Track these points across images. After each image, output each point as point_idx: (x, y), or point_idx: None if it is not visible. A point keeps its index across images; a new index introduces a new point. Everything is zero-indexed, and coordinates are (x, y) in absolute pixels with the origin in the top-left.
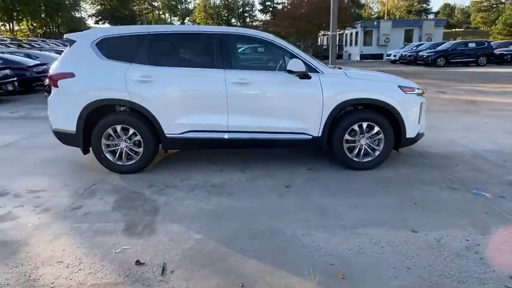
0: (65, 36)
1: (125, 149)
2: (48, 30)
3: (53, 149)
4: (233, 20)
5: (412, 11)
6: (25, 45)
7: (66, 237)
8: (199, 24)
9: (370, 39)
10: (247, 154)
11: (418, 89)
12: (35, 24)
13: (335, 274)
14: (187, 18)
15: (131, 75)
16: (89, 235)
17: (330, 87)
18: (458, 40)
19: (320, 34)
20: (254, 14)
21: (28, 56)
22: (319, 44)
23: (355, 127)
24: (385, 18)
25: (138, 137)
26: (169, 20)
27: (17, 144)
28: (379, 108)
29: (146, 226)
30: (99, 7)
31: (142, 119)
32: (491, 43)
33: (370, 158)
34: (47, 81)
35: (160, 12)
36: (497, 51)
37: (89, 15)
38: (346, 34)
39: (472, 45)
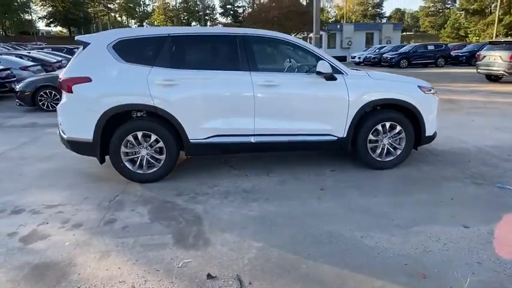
0: (77, 38)
1: (146, 156)
2: None
3: (50, 159)
4: (194, 23)
5: (367, 15)
6: None
7: (116, 253)
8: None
9: (334, 42)
10: (263, 157)
11: (433, 88)
12: None
13: (414, 274)
14: (145, 21)
15: (153, 78)
16: (139, 250)
17: (355, 88)
18: (417, 43)
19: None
20: (215, 17)
21: None
22: None
23: (379, 127)
24: (343, 22)
25: (160, 144)
26: (126, 22)
27: (6, 155)
28: (400, 107)
29: (197, 237)
30: (50, 9)
31: (165, 124)
32: (448, 45)
33: (392, 157)
34: (17, 87)
35: (117, 15)
36: (453, 53)
37: (40, 18)
38: (311, 37)
39: (431, 47)
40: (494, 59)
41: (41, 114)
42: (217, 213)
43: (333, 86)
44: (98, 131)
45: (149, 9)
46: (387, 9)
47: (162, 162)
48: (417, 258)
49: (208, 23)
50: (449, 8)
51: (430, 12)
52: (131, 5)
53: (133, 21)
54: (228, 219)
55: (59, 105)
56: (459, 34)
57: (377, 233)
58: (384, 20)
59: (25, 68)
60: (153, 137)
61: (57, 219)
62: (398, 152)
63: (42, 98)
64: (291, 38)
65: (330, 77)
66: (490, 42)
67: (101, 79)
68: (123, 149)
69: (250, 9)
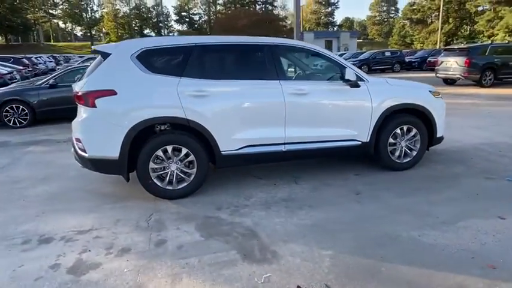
0: (94, 48)
1: (175, 171)
2: None
3: (48, 180)
4: (147, 30)
5: (320, 23)
6: None
7: (187, 276)
8: (109, 34)
9: None
10: (283, 165)
11: (439, 93)
12: None
13: (483, 266)
14: (94, 28)
15: (184, 90)
16: (210, 269)
17: (377, 94)
18: (373, 50)
19: None
20: (170, 25)
21: None
22: None
23: (398, 130)
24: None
25: (191, 157)
26: (71, 30)
27: None
28: (415, 111)
29: (262, 250)
30: None
31: (196, 136)
32: (403, 52)
33: (409, 159)
34: None
35: (61, 22)
36: (407, 59)
37: None
38: None
39: (388, 54)
40: (451, 64)
41: (9, 132)
42: (269, 225)
43: (357, 93)
44: (125, 148)
45: (97, 15)
46: (338, 18)
47: (193, 176)
48: (478, 251)
49: (163, 31)
50: (393, 17)
51: (376, 21)
52: (77, 11)
53: (79, 28)
54: (283, 229)
55: (77, 120)
56: (405, 41)
57: (430, 231)
58: (335, 28)
59: None
60: (184, 151)
61: (98, 246)
62: (414, 153)
63: (7, 113)
64: (315, 46)
65: (355, 85)
66: (445, 49)
67: (128, 92)
68: (151, 165)
69: (206, 17)
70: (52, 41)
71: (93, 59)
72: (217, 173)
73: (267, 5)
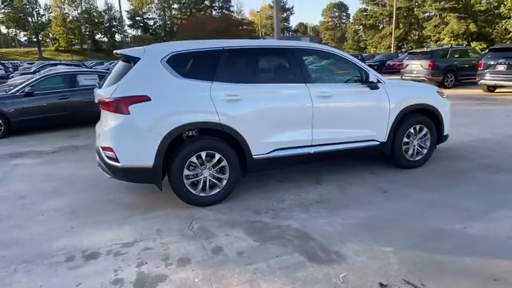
0: (119, 52)
1: (208, 177)
2: None
3: (58, 193)
4: (99, 36)
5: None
6: None
7: (263, 281)
8: (58, 40)
9: None
10: (298, 168)
11: (444, 93)
12: None
13: None
14: (41, 32)
15: (217, 94)
16: (284, 273)
17: (394, 95)
18: None
19: None
20: (124, 29)
21: None
22: None
23: (411, 130)
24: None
25: (224, 162)
26: (15, 35)
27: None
28: (426, 111)
29: (325, 251)
30: None
31: (228, 141)
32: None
33: (420, 156)
34: None
35: (3, 27)
36: (367, 63)
37: None
38: None
39: None
40: (416, 67)
41: None
42: (317, 226)
43: (376, 94)
44: (160, 155)
45: (44, 20)
46: (292, 23)
47: (225, 182)
48: None
49: (117, 36)
50: (345, 23)
51: (329, 26)
52: (21, 16)
53: (22, 33)
54: (333, 230)
55: (106, 128)
56: (359, 46)
57: (471, 223)
58: (291, 33)
59: None
60: (217, 156)
61: (153, 257)
62: (425, 151)
63: None
64: (336, 50)
65: (374, 87)
66: (409, 53)
67: (161, 97)
68: (185, 171)
69: (162, 22)
70: None
71: (54, 65)
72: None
73: (223, 10)
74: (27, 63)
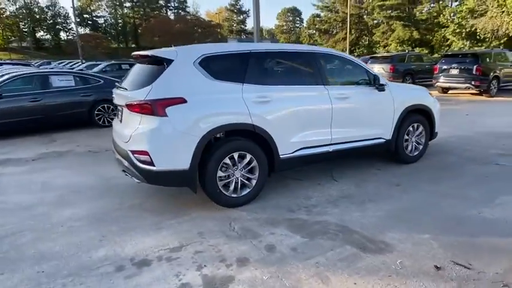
0: (151, 53)
1: (240, 178)
2: None
3: (67, 202)
4: (41, 33)
5: (233, 30)
6: None
7: (330, 273)
8: None
9: None
10: (312, 166)
11: (432, 94)
12: None
13: None
14: None
15: (248, 96)
16: (344, 264)
17: (397, 96)
18: None
19: None
20: (70, 27)
21: None
22: None
23: (410, 128)
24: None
25: (254, 163)
26: None
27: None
28: (422, 111)
29: (372, 242)
30: None
31: (258, 142)
32: None
33: (417, 152)
34: None
35: None
36: None
37: None
38: None
39: None
40: (378, 70)
41: None
42: (354, 220)
43: (383, 95)
44: (196, 157)
45: None
46: (249, 26)
47: (255, 182)
48: None
49: (62, 34)
50: (299, 27)
51: (284, 30)
52: None
53: None
54: (369, 222)
55: (139, 132)
56: None
57: (482, 209)
58: (247, 36)
59: None
60: (248, 157)
61: (209, 260)
62: (421, 147)
63: None
64: (345, 54)
65: (382, 88)
66: (371, 57)
67: (197, 99)
68: (219, 173)
69: (113, 20)
70: None
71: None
72: None
73: (180, 11)
74: None
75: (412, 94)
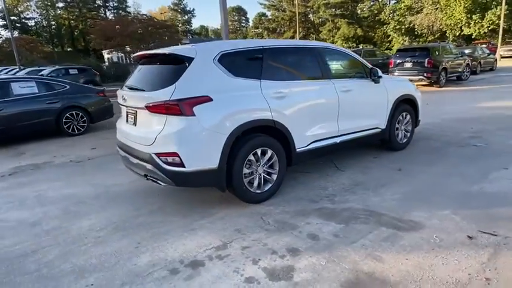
0: (169, 52)
1: (262, 174)
2: None
3: (81, 213)
4: None
5: (178, 31)
6: None
7: (378, 252)
8: None
9: None
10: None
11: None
12: None
13: None
14: None
15: (267, 92)
16: (387, 244)
17: (390, 88)
18: None
19: (112, 51)
20: None
21: None
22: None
23: (400, 117)
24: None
25: (274, 158)
26: None
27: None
28: (409, 100)
29: (402, 221)
30: None
31: (277, 137)
32: None
33: (406, 140)
34: None
35: None
36: None
37: None
38: None
39: None
40: None
41: None
42: (376, 204)
43: (379, 87)
44: (225, 155)
45: None
46: (194, 25)
47: (275, 177)
48: None
49: None
50: (245, 26)
51: (230, 30)
52: None
53: None
54: (391, 205)
55: (166, 133)
56: None
57: (482, 184)
58: (193, 36)
59: None
60: (269, 152)
61: (261, 253)
62: (409, 134)
63: None
64: (344, 49)
65: (378, 81)
66: None
67: (221, 97)
68: (244, 170)
69: (46, 22)
70: None
71: None
72: None
73: (119, 10)
74: None
75: (401, 85)
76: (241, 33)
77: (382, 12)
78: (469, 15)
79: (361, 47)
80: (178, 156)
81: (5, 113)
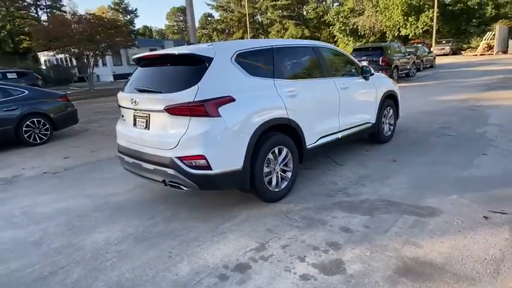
0: (187, 52)
1: (279, 172)
2: None
3: (82, 229)
4: None
5: (131, 31)
6: None
7: (411, 234)
8: None
9: (119, 59)
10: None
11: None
12: None
13: None
14: None
15: (281, 91)
16: (417, 230)
17: (377, 84)
18: None
19: (46, 53)
20: None
21: None
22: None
23: (386, 112)
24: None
25: (289, 156)
26: None
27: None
28: (392, 96)
29: (419, 209)
30: None
31: (291, 135)
32: None
33: (390, 133)
34: None
35: None
36: None
37: None
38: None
39: None
40: None
41: None
42: (388, 194)
43: (369, 84)
44: (248, 155)
45: None
46: (138, 26)
47: (290, 174)
48: None
49: None
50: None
51: (175, 30)
52: None
53: None
54: (402, 194)
55: (189, 136)
56: None
57: (470, 169)
58: (136, 37)
59: None
60: (285, 150)
61: (303, 251)
62: (392, 128)
63: None
64: (337, 48)
65: (367, 78)
66: None
67: (242, 97)
68: (264, 169)
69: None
70: None
71: None
72: None
73: (54, 10)
74: None
75: (385, 81)
76: (187, 34)
77: (328, 14)
78: (405, 18)
79: None
80: (205, 159)
81: None
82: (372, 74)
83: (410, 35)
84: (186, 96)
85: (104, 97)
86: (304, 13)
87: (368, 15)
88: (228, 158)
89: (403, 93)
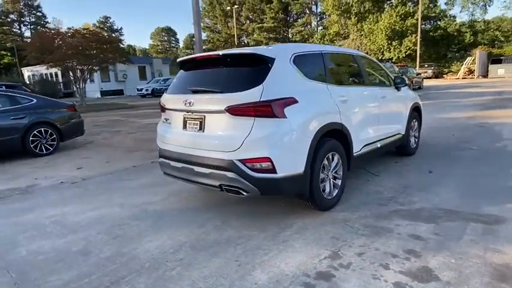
0: (250, 52)
1: (331, 179)
2: None
3: (130, 238)
4: None
5: (124, 46)
6: None
7: (485, 244)
8: None
9: (107, 75)
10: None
11: None
12: None
13: None
14: None
15: (334, 95)
16: (488, 236)
17: (407, 95)
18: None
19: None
20: None
21: None
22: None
23: (412, 123)
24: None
25: (340, 162)
26: None
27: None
28: (417, 108)
29: (481, 216)
30: None
31: (341, 141)
32: None
33: (415, 145)
34: None
35: None
36: None
37: None
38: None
39: None
40: None
41: None
42: (440, 203)
43: (401, 94)
44: (310, 159)
45: None
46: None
47: (340, 182)
48: None
49: None
50: (175, 46)
51: (159, 50)
52: None
53: None
54: (456, 203)
55: (254, 137)
56: None
57: (507, 181)
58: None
59: None
60: (336, 157)
61: (381, 259)
62: (417, 140)
63: None
64: (373, 58)
65: (399, 88)
66: None
67: (304, 99)
68: (320, 175)
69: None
70: None
71: None
72: None
73: (38, 26)
74: None
75: (411, 93)
76: (172, 53)
77: (313, 37)
78: (389, 42)
79: None
80: (271, 161)
81: None
82: (406, 85)
83: (394, 58)
84: (250, 96)
85: (96, 111)
86: (290, 36)
87: (353, 39)
88: (292, 161)
89: None
